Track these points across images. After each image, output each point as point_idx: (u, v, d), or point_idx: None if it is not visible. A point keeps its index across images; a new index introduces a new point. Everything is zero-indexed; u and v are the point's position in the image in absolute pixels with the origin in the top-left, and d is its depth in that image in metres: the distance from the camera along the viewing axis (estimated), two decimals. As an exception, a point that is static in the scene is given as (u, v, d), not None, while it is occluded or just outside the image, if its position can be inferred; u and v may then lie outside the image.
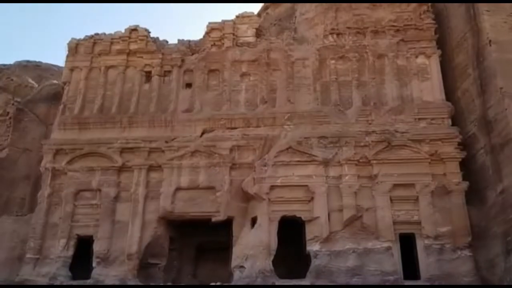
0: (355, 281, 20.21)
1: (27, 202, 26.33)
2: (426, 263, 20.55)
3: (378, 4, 25.72)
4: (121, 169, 23.74)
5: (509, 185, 19.51)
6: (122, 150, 24.01)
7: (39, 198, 23.80)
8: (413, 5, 25.44)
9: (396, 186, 21.73)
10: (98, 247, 22.44)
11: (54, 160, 24.17)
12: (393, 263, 20.63)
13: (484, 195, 21.30)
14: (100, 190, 23.47)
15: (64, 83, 26.73)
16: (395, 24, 25.15)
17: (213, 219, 22.54)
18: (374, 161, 22.18)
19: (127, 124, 24.82)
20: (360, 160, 22.31)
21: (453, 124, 22.97)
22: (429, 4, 25.40)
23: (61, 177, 23.99)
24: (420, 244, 21.01)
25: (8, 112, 28.09)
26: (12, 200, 26.29)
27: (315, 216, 21.55)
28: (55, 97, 28.32)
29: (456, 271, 20.09)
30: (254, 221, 22.25)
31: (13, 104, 28.21)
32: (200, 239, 25.18)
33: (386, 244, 20.94)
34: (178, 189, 23.03)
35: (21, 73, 31.95)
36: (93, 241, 22.69)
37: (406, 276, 20.69)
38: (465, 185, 21.44)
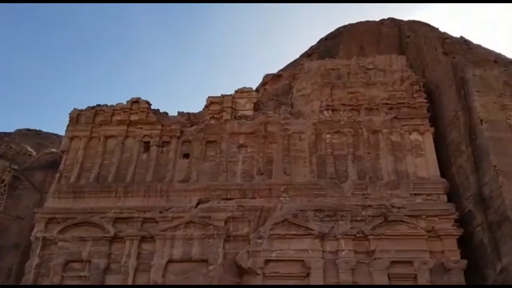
0: None
1: (14, 272, 25.34)
2: None
3: (371, 83, 26.76)
4: (113, 240, 23.21)
5: (509, 264, 19.13)
6: (115, 220, 23.66)
7: (26, 269, 22.99)
8: (406, 84, 26.47)
9: (394, 263, 21.22)
10: (83, 323, 21.38)
11: (45, 229, 23.70)
12: None
13: (483, 273, 20.78)
14: (90, 261, 22.76)
15: (63, 152, 26.91)
16: (388, 102, 26.00)
17: (205, 295, 21.71)
18: (371, 236, 21.86)
19: (123, 193, 24.68)
20: (357, 235, 21.99)
21: (449, 200, 22.94)
22: (421, 84, 26.44)
23: (51, 247, 23.38)
24: (420, 325, 20.13)
25: (3, 180, 27.97)
26: (-1, 270, 25.37)
27: (311, 294, 20.82)
28: (53, 165, 28.35)
29: None
30: (248, 297, 21.43)
31: (9, 171, 28.16)
32: (191, 316, 24.07)
33: (384, 325, 20.04)
34: (170, 261, 22.40)
35: (20, 141, 32.29)
36: (78, 316, 21.66)
37: None
38: (464, 263, 20.96)
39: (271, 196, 23.75)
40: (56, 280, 22.33)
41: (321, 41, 36.68)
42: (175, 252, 22.57)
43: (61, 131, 29.09)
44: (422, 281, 20.68)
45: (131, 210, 23.89)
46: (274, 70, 33.33)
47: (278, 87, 30.16)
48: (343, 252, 21.69)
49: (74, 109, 27.98)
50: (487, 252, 20.64)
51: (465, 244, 21.77)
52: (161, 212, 23.70)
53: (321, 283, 20.98)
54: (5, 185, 27.75)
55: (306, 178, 24.29)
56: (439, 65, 27.09)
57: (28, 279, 22.58)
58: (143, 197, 24.50)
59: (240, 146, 25.84)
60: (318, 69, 27.88)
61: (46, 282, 22.49)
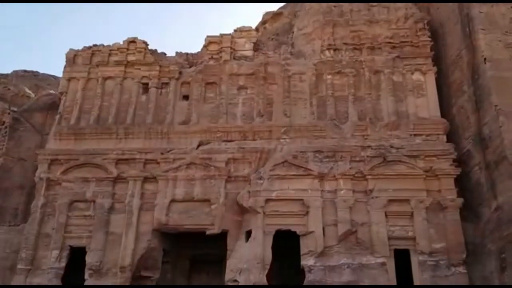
0: (349, 296, 20.13)
1: (20, 212, 26.11)
2: (421, 279, 20.48)
3: (374, 21, 26.00)
4: (116, 180, 23.66)
5: (504, 202, 19.54)
6: (118, 161, 23.97)
7: (32, 208, 23.63)
8: (410, 22, 25.74)
9: (391, 201, 21.73)
10: (90, 259, 22.24)
11: (49, 170, 24.10)
12: (387, 279, 20.53)
13: (479, 211, 21.33)
14: (94, 201, 23.35)
15: (61, 93, 26.77)
16: (391, 40, 25.40)
17: (208, 232, 22.43)
18: (370, 176, 22.21)
19: (123, 135, 24.81)
20: (356, 175, 22.34)
21: (448, 141, 23.08)
22: (425, 21, 25.70)
23: (55, 188, 23.87)
24: (414, 260, 20.96)
25: (4, 121, 27.99)
26: (5, 210, 26.05)
27: (310, 231, 21.50)
28: (52, 107, 28.30)
29: (450, 287, 20.03)
30: (248, 234, 22.16)
31: (9, 113, 28.11)
32: (194, 252, 25.08)
33: (380, 260, 20.87)
34: (173, 201, 22.94)
35: (18, 83, 31.95)
36: (86, 252, 22.50)
37: (401, 292, 20.61)
38: (460, 201, 21.47)
39: (271, 138, 23.88)
40: (62, 220, 23.01)
41: (323, -25, 35.11)
42: (178, 192, 23.05)
43: (58, 72, 28.75)
44: (418, 218, 21.28)
45: (132, 152, 24.14)
46: (275, 7, 32.24)
47: (279, 25, 29.30)
48: (342, 191, 22.15)
49: (70, 49, 27.48)
50: (483, 191, 21.03)
51: (462, 183, 22.19)
52: (162, 153, 23.95)
53: (320, 220, 21.61)
54: (5, 127, 27.82)
55: (306, 119, 24.28)
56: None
57: (35, 218, 23.27)
58: (144, 139, 24.65)
59: (240, 87, 25.61)
60: (320, 6, 26.94)
61: (52, 221, 23.21)
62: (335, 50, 25.65)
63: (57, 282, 22.08)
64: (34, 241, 22.79)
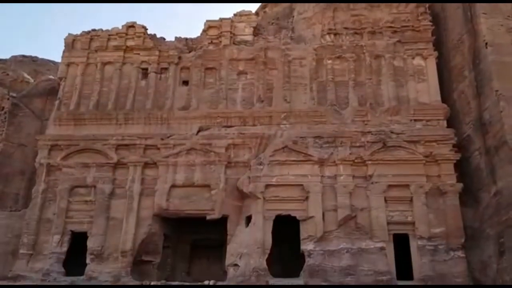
0: (348, 280, 20.31)
1: (21, 197, 26.22)
2: (420, 264, 20.64)
3: (375, 5, 25.77)
4: (116, 166, 23.72)
5: (504, 187, 19.58)
6: (118, 147, 24.00)
7: (33, 194, 23.75)
8: (411, 6, 25.51)
9: (391, 186, 21.80)
10: (92, 244, 22.41)
11: (49, 155, 24.15)
12: (386, 263, 20.70)
13: (478, 196, 21.40)
14: (95, 187, 23.45)
15: (60, 79, 26.69)
16: (392, 25, 25.24)
17: (208, 217, 22.55)
18: (369, 162, 22.24)
19: (123, 120, 24.79)
20: (356, 160, 22.36)
21: (448, 126, 23.05)
22: (427, 5, 25.47)
23: (55, 173, 23.96)
24: (413, 244, 21.10)
25: (3, 107, 27.92)
26: (6, 195, 26.16)
27: (310, 216, 21.61)
28: (51, 92, 28.21)
29: (449, 272, 20.20)
30: (249, 219, 22.28)
31: (8, 99, 28.02)
32: (195, 237, 25.25)
33: (380, 244, 21.01)
34: (173, 186, 23.02)
35: (17, 68, 31.81)
36: (87, 237, 22.65)
37: (400, 277, 20.77)
38: (459, 186, 21.53)
39: (271, 123, 23.87)
40: (63, 205, 23.15)
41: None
42: (178, 178, 23.11)
43: (57, 58, 28.58)
44: (418, 203, 21.36)
45: (132, 137, 24.15)
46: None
47: (279, 10, 29.02)
48: (342, 177, 22.20)
49: (69, 34, 27.31)
50: (483, 176, 21.07)
51: (462, 168, 22.21)
52: (162, 139, 23.95)
53: (320, 206, 21.70)
54: (5, 113, 27.76)
55: (306, 105, 24.22)
56: (447, -15, 25.88)
57: (36, 203, 23.41)
58: (143, 125, 24.65)
59: (240, 72, 25.50)
60: (321, -10, 26.66)
61: (53, 206, 23.35)
62: (335, 34, 25.48)
63: (58, 266, 22.28)
64: (35, 226, 22.95)
